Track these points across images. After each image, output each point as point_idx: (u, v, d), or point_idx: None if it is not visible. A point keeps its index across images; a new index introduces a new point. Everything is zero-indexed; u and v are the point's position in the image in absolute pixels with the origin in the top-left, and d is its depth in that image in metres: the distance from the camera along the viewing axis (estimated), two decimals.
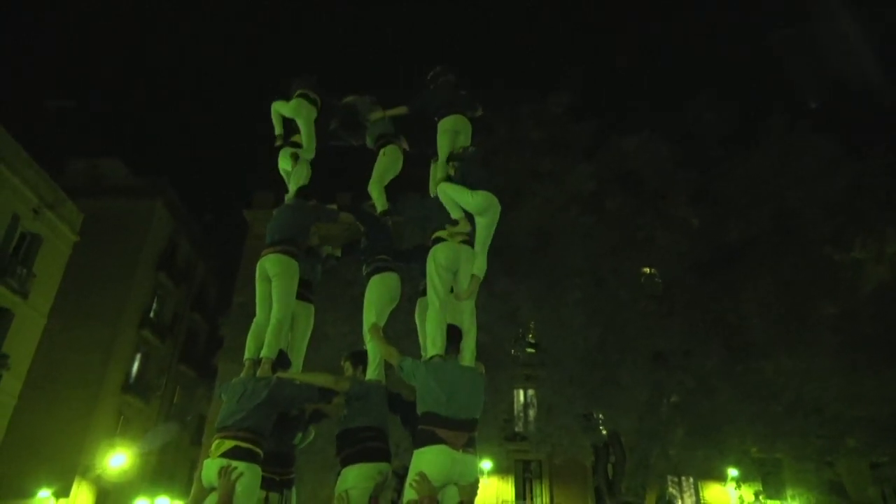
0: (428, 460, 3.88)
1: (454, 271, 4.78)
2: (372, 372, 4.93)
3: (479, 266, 4.89)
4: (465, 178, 5.13)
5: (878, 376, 13.38)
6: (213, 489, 4.04)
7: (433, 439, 3.93)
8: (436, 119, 5.84)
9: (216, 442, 4.18)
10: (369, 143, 6.39)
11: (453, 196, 5.00)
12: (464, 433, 4.00)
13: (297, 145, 6.07)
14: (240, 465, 4.02)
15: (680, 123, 16.50)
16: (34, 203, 21.10)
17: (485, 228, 4.96)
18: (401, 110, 6.21)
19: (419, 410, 4.15)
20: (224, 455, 4.08)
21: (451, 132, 5.68)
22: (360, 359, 5.02)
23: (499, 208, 5.05)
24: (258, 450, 4.21)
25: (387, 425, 4.73)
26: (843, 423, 14.46)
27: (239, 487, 3.96)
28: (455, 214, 4.96)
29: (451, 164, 5.46)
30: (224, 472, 3.98)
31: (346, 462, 4.43)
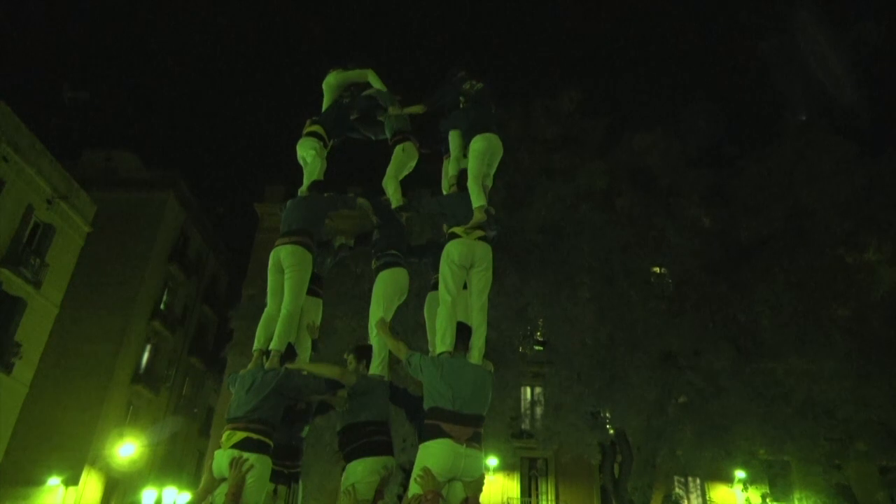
0: (432, 454, 3.90)
1: (468, 268, 4.77)
2: (376, 367, 4.93)
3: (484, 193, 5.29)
4: (464, 119, 5.56)
5: (890, 380, 13.28)
6: (223, 480, 4.06)
7: (438, 433, 3.94)
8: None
9: (227, 433, 4.20)
10: (389, 136, 6.43)
11: (473, 173, 5.25)
12: (469, 428, 4.00)
13: (319, 136, 6.09)
14: (251, 457, 4.04)
15: (693, 122, 16.42)
16: (48, 194, 21.27)
17: (489, 167, 5.43)
18: (417, 109, 6.25)
19: (425, 405, 4.16)
20: (235, 446, 4.10)
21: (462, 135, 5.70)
22: (364, 353, 5.02)
23: (500, 146, 5.46)
24: (269, 441, 4.23)
25: (390, 419, 4.74)
26: (853, 427, 14.36)
27: (250, 479, 3.98)
28: (476, 202, 5.04)
29: (462, 100, 5.73)
30: (235, 464, 4.00)
31: (351, 457, 4.44)
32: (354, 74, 6.71)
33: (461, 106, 5.81)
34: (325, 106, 6.57)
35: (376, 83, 6.56)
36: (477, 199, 5.07)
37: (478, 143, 5.39)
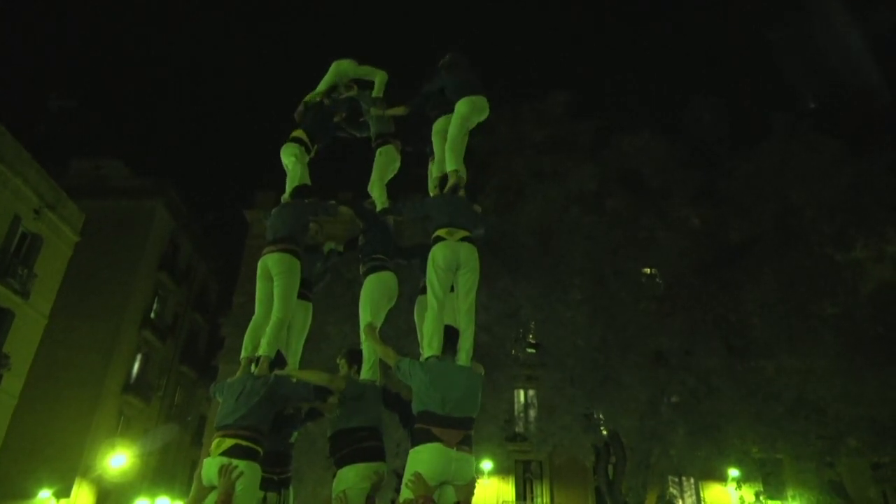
0: (423, 459, 3.88)
1: (454, 270, 4.76)
2: (366, 371, 4.91)
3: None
4: (449, 86, 5.58)
5: (880, 376, 13.35)
6: (213, 488, 4.02)
7: (428, 437, 3.92)
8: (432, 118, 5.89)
9: (216, 440, 4.17)
10: (371, 139, 6.45)
11: (452, 136, 5.35)
12: (459, 431, 3.98)
13: (301, 141, 6.11)
14: (240, 464, 4.01)
15: (682, 123, 16.53)
16: (35, 203, 21.12)
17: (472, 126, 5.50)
18: (399, 110, 6.28)
19: (415, 410, 4.14)
20: (224, 454, 4.07)
21: (444, 132, 5.73)
22: (355, 358, 5.00)
23: (486, 106, 5.48)
24: (258, 448, 4.20)
25: (382, 425, 4.71)
26: (844, 424, 14.43)
27: (239, 486, 3.94)
28: (451, 166, 5.20)
29: (440, 71, 5.76)
30: (224, 471, 3.97)
31: (342, 463, 4.42)
32: (365, 71, 6.76)
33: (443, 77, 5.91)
34: (322, 83, 6.66)
35: (378, 88, 6.61)
36: (451, 164, 5.20)
37: (461, 107, 5.47)
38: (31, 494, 22.52)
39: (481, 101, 5.50)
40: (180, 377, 32.75)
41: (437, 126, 5.78)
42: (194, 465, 30.22)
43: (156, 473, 29.30)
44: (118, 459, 24.52)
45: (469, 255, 4.78)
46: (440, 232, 4.84)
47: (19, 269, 20.57)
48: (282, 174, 6.19)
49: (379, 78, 6.66)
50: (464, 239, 4.82)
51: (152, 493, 26.41)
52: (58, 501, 22.82)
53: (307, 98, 6.52)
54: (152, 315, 29.38)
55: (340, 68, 6.71)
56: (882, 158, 14.89)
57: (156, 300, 29.95)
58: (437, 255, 4.76)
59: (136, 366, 28.37)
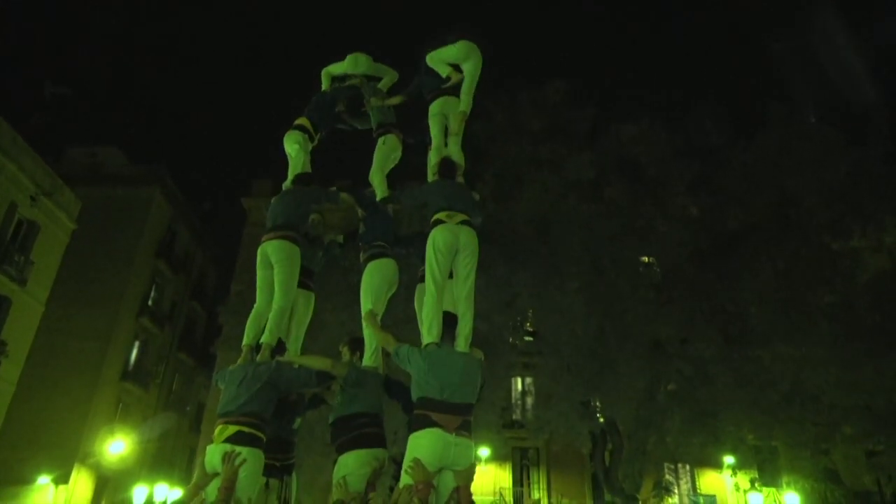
0: (422, 444, 3.90)
1: (453, 254, 4.75)
2: (368, 358, 4.92)
3: (466, 103, 5.71)
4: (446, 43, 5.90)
5: (875, 365, 13.42)
6: (216, 474, 4.05)
7: (427, 423, 3.95)
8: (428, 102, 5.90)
9: (219, 427, 4.19)
10: (373, 128, 6.45)
11: (438, 56, 5.77)
12: (458, 416, 4.00)
13: (304, 129, 6.10)
14: (244, 451, 4.04)
15: (680, 113, 16.51)
16: (31, 190, 21.03)
17: (470, 73, 5.74)
18: (396, 100, 6.29)
19: (414, 396, 4.16)
20: (228, 440, 4.10)
21: (440, 115, 5.77)
22: (357, 345, 5.02)
23: (479, 53, 5.80)
24: (261, 434, 4.22)
25: (382, 411, 4.73)
26: (840, 412, 14.52)
27: (242, 473, 3.98)
28: (444, 72, 5.66)
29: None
30: (228, 458, 4.00)
31: (343, 449, 4.44)
32: (378, 69, 6.79)
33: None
34: (336, 67, 6.78)
35: (385, 84, 6.68)
36: (465, 104, 5.70)
37: (434, 109, 5.82)
38: (29, 480, 22.60)
39: (473, 46, 5.82)
40: (178, 365, 32.78)
41: (433, 109, 5.78)
42: (192, 451, 30.33)
43: (154, 460, 29.39)
44: (117, 446, 24.58)
45: (469, 239, 4.77)
46: (439, 215, 4.83)
47: (16, 256, 20.53)
48: (280, 162, 6.19)
49: (388, 77, 6.73)
50: (463, 223, 4.81)
51: (151, 480, 26.48)
52: (56, 488, 22.91)
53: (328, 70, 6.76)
54: (150, 303, 29.34)
55: (358, 62, 6.71)
56: (879, 147, 14.90)
57: (153, 288, 29.91)
58: (438, 238, 4.74)
59: (134, 353, 28.38)
